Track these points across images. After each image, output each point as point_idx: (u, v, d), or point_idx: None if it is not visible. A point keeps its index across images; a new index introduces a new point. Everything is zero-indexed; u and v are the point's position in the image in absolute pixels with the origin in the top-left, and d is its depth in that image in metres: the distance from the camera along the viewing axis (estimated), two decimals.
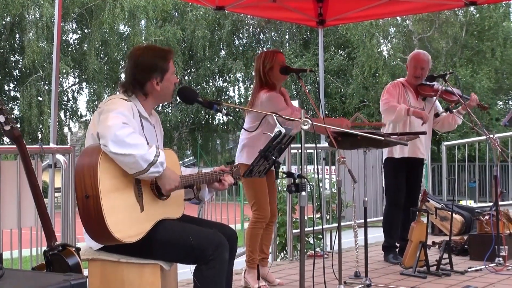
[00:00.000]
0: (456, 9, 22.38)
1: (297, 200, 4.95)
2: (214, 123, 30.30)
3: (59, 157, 4.85)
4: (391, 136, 4.93)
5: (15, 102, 25.81)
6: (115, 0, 24.04)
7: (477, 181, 12.20)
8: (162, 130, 3.57)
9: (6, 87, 26.39)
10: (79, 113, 27.70)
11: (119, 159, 2.98)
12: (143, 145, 3.01)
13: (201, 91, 27.34)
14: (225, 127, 30.07)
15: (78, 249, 2.91)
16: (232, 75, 28.21)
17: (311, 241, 6.95)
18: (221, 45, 28.95)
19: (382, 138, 4.57)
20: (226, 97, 29.16)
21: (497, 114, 23.91)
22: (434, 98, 5.75)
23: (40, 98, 24.16)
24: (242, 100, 27.87)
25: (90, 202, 2.96)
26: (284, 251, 7.22)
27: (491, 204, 6.58)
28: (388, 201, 5.96)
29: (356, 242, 4.99)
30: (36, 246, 4.74)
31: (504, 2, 22.54)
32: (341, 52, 27.84)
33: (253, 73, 5.06)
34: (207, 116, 29.58)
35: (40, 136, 24.58)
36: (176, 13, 28.47)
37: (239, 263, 4.51)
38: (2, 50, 25.50)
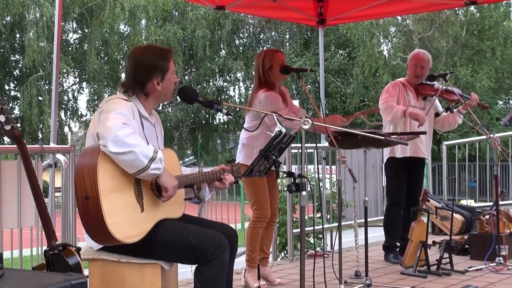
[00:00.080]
0: (456, 8, 22.38)
1: (297, 200, 4.95)
2: (215, 123, 30.31)
3: (60, 156, 4.84)
4: (392, 136, 4.93)
5: (16, 102, 25.82)
6: (115, 0, 24.04)
7: (477, 181, 12.21)
8: (163, 130, 3.57)
9: (6, 87, 26.39)
10: (79, 113, 27.73)
11: (119, 158, 2.98)
12: (142, 144, 3.01)
13: (201, 91, 27.34)
14: (226, 126, 30.08)
15: (78, 249, 2.91)
16: (232, 75, 28.21)
17: (312, 241, 6.94)
18: (222, 45, 28.95)
19: (383, 137, 4.58)
20: (226, 96, 29.16)
21: (497, 113, 23.91)
22: (434, 97, 5.76)
23: (40, 98, 24.17)
24: (243, 100, 27.87)
25: (90, 202, 2.96)
26: (285, 251, 7.22)
27: (491, 203, 6.58)
28: (389, 200, 5.96)
29: (356, 242, 4.99)
30: (37, 245, 4.74)
31: (505, 1, 22.55)
32: (341, 52, 27.84)
33: (253, 73, 5.06)
34: (207, 116, 29.58)
35: (40, 135, 24.59)
36: (177, 13, 28.48)
37: (239, 262, 4.51)
38: (2, 50, 25.51)
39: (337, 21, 8.05)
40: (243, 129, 4.82)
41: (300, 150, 6.10)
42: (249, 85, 28.16)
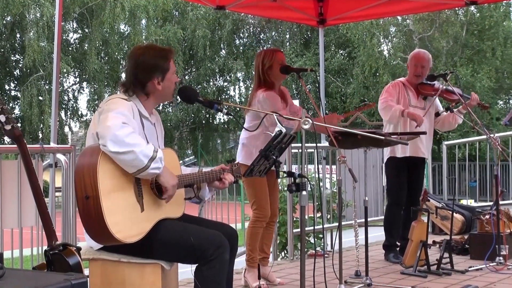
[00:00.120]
0: (456, 8, 22.38)
1: (297, 200, 4.95)
2: (215, 123, 30.31)
3: (60, 156, 4.85)
4: (392, 136, 4.93)
5: (16, 102, 25.83)
6: (115, 0, 24.05)
7: (477, 181, 12.20)
8: (163, 130, 3.57)
9: (6, 87, 26.40)
10: (79, 113, 27.74)
11: (119, 158, 2.98)
12: (142, 144, 3.01)
13: (201, 91, 27.35)
14: (226, 126, 30.08)
15: (78, 249, 2.91)
16: (232, 75, 28.21)
17: (312, 241, 6.95)
18: (222, 45, 28.95)
19: (383, 137, 4.58)
20: (226, 96, 29.17)
21: (497, 113, 23.91)
22: (434, 97, 5.76)
23: (40, 98, 24.17)
24: (243, 100, 27.87)
25: (90, 202, 2.96)
26: (285, 251, 7.22)
27: (491, 203, 6.58)
28: (389, 200, 5.96)
29: (356, 242, 4.99)
30: (37, 245, 4.75)
31: (505, 1, 22.54)
32: (341, 52, 27.84)
33: (253, 72, 5.06)
34: (207, 116, 29.59)
35: (40, 135, 24.60)
36: (177, 13, 28.48)
37: (239, 262, 4.51)
38: (2, 50, 25.51)
39: (337, 21, 8.05)
40: (243, 129, 4.82)
41: (300, 150, 6.10)
42: (249, 85, 28.17)
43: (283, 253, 7.33)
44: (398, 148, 5.69)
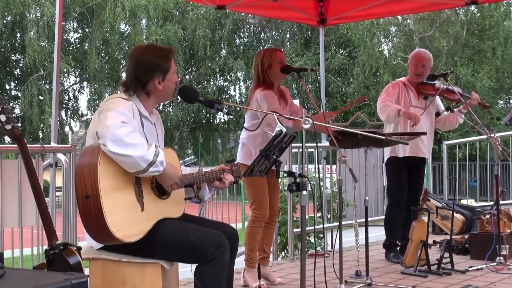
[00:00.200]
0: (457, 8, 22.37)
1: (298, 199, 4.95)
2: (215, 122, 30.32)
3: (60, 156, 4.85)
4: (392, 136, 4.93)
5: (16, 101, 25.83)
6: None
7: (478, 180, 12.21)
8: (163, 129, 3.57)
9: (7, 86, 26.40)
10: (80, 112, 27.75)
11: (118, 159, 2.98)
12: (142, 144, 3.01)
13: (202, 90, 27.34)
14: (226, 126, 30.08)
15: (79, 248, 2.91)
16: (233, 74, 28.22)
17: (312, 240, 6.95)
18: (222, 44, 28.95)
19: (383, 137, 4.58)
20: (227, 96, 29.17)
21: (498, 113, 23.90)
22: (434, 96, 5.75)
23: (41, 97, 24.18)
24: (243, 99, 27.86)
25: (90, 201, 2.96)
26: (285, 250, 7.22)
27: (492, 203, 6.57)
28: (390, 200, 5.96)
29: (357, 241, 4.99)
30: (37, 245, 4.75)
31: (505, 1, 22.54)
32: (342, 51, 27.84)
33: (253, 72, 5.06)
34: (208, 115, 29.59)
35: (41, 135, 24.60)
36: (177, 12, 28.48)
37: (239, 262, 4.51)
38: (3, 49, 25.52)
39: (337, 20, 8.05)
40: (243, 128, 4.82)
41: (300, 150, 6.10)
42: (249, 84, 28.15)
43: (283, 253, 7.33)
44: (399, 148, 5.69)
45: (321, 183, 6.95)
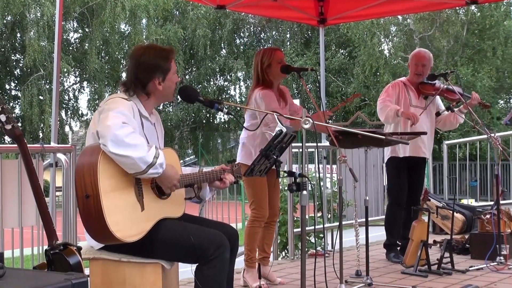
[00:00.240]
0: (457, 8, 22.37)
1: (298, 199, 4.95)
2: (215, 122, 30.33)
3: (60, 156, 4.85)
4: (392, 135, 4.93)
5: (16, 101, 25.83)
6: None
7: (478, 180, 12.20)
8: (163, 129, 3.57)
9: (7, 86, 26.41)
10: (80, 112, 27.77)
11: (118, 160, 2.98)
12: (142, 145, 3.00)
13: (202, 90, 27.35)
14: (226, 126, 30.09)
15: (79, 248, 2.91)
16: (233, 74, 28.22)
17: (312, 240, 6.94)
18: (222, 44, 28.96)
19: (383, 137, 4.58)
20: (227, 96, 29.18)
21: (498, 113, 23.91)
22: (434, 95, 5.75)
23: (41, 97, 24.18)
24: (243, 99, 27.86)
25: (90, 201, 2.96)
26: (285, 250, 7.22)
27: (492, 203, 6.57)
28: (390, 200, 5.96)
29: (357, 241, 4.99)
30: (37, 245, 4.75)
31: (505, 1, 22.54)
32: (342, 51, 27.84)
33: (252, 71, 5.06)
34: (208, 115, 29.60)
35: (41, 135, 24.61)
36: (177, 12, 28.49)
37: (239, 262, 4.51)
38: (3, 49, 25.52)
39: (337, 20, 8.05)
40: (243, 128, 4.82)
41: (300, 150, 6.10)
42: (249, 84, 28.11)
43: (283, 253, 7.33)
44: (399, 148, 5.69)
45: (321, 183, 6.94)
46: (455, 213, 6.27)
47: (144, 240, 3.10)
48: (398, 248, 5.90)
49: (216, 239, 3.19)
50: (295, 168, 6.32)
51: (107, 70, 26.56)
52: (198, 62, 28.43)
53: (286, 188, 6.70)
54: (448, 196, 8.69)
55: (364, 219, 4.88)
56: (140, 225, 3.10)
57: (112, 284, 3.25)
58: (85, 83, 27.36)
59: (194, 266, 3.23)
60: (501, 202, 5.81)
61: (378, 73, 25.20)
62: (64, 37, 25.01)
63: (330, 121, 4.81)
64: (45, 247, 2.86)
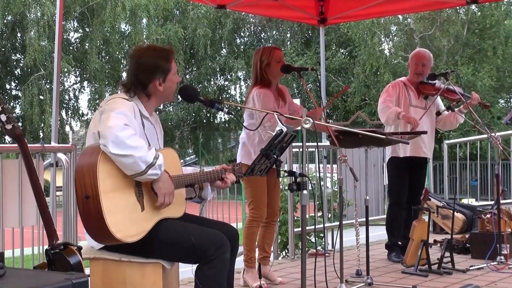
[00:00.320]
0: (457, 7, 22.38)
1: (298, 199, 4.96)
2: (216, 122, 30.34)
3: (61, 156, 4.85)
4: (393, 135, 4.93)
5: (17, 101, 25.85)
6: None
7: (478, 180, 12.20)
8: (162, 130, 3.57)
9: (7, 86, 26.43)
10: (80, 112, 27.80)
11: (118, 160, 2.98)
12: (143, 147, 3.00)
13: (202, 90, 27.36)
14: (227, 125, 30.10)
15: (79, 248, 2.91)
16: (233, 74, 28.23)
17: (313, 240, 6.95)
18: (223, 44, 28.97)
19: (384, 136, 4.57)
20: (227, 95, 29.19)
21: (498, 112, 23.90)
22: (435, 96, 5.75)
23: (41, 97, 24.19)
24: (243, 99, 27.70)
25: (90, 202, 2.96)
26: (286, 250, 7.22)
27: (492, 202, 6.57)
28: (391, 200, 5.96)
29: (357, 241, 4.99)
30: (38, 245, 4.75)
31: (506, 0, 22.54)
32: (342, 51, 27.84)
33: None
34: (208, 115, 29.61)
35: (41, 135, 24.62)
36: (178, 12, 28.50)
37: (240, 262, 4.51)
38: (3, 49, 25.53)
39: (338, 20, 8.05)
40: (243, 128, 4.82)
41: (301, 149, 6.10)
42: (250, 84, 28.16)
43: (284, 252, 7.33)
44: (399, 148, 5.69)
45: (322, 183, 6.94)
46: (455, 213, 6.27)
47: (144, 240, 3.10)
48: (400, 248, 5.89)
49: (216, 239, 3.18)
50: (295, 167, 6.32)
51: (108, 70, 26.57)
52: (199, 62, 28.44)
53: (286, 187, 6.70)
54: (449, 196, 8.69)
55: (364, 219, 4.88)
56: (140, 225, 3.10)
57: (112, 284, 3.25)
58: (85, 83, 27.38)
59: (194, 266, 3.23)
60: (502, 201, 5.81)
61: (378, 73, 25.21)
62: (65, 36, 25.02)
63: (330, 121, 4.82)
64: (46, 246, 2.86)
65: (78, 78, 27.53)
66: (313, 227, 6.70)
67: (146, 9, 25.10)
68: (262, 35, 30.10)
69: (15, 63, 26.47)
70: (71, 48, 26.21)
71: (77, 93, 27.52)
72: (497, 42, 24.41)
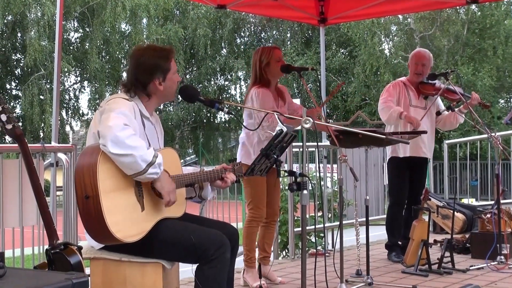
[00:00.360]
0: (457, 7, 22.38)
1: (298, 199, 4.96)
2: (216, 122, 30.34)
3: (61, 155, 4.85)
4: (393, 135, 4.93)
5: (17, 101, 25.85)
6: None
7: (478, 179, 12.19)
8: (162, 130, 3.57)
9: (8, 86, 26.43)
10: (80, 112, 27.81)
11: (118, 160, 2.97)
12: (142, 147, 3.00)
13: (202, 90, 27.37)
14: (227, 125, 30.11)
15: (80, 248, 2.91)
16: (233, 74, 28.24)
17: (313, 240, 6.95)
18: (223, 44, 28.98)
19: (384, 136, 4.57)
20: (227, 95, 29.20)
21: (498, 112, 23.91)
22: (435, 96, 5.75)
23: (41, 97, 24.20)
24: (244, 99, 27.85)
25: (90, 202, 2.95)
26: (286, 250, 7.22)
27: (492, 202, 6.57)
28: (391, 200, 5.96)
29: (357, 241, 4.99)
30: (38, 244, 4.75)
31: (506, 0, 22.54)
32: (342, 51, 27.85)
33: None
34: (208, 115, 29.61)
35: (42, 134, 24.63)
36: (178, 12, 28.51)
37: (240, 261, 4.51)
38: (4, 49, 25.53)
39: (338, 20, 8.05)
40: (243, 128, 4.82)
41: (301, 149, 6.10)
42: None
43: (284, 252, 7.33)
44: (399, 148, 5.69)
45: (322, 183, 6.94)
46: (455, 213, 6.27)
47: (144, 240, 3.10)
48: (400, 248, 5.89)
49: (217, 239, 3.18)
50: (295, 167, 6.32)
51: (108, 70, 26.58)
52: (199, 62, 28.45)
53: (286, 187, 6.70)
54: (449, 196, 8.69)
55: (364, 219, 4.88)
56: (140, 225, 3.10)
57: (112, 284, 3.25)
58: (85, 83, 27.39)
59: (194, 266, 3.23)
60: (502, 201, 5.81)
61: (378, 73, 25.22)
62: (65, 36, 25.03)
63: (330, 121, 4.82)
64: (46, 246, 2.86)
65: (78, 78, 27.55)
66: (313, 227, 6.70)
67: (146, 9, 25.12)
68: (262, 35, 30.10)
69: (15, 63, 26.48)
70: (71, 48, 26.22)
71: (77, 93, 27.56)
72: (497, 42, 24.42)
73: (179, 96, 3.54)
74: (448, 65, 23.89)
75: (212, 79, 29.29)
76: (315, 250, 6.07)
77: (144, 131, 3.26)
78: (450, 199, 7.87)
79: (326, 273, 4.05)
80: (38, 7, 23.88)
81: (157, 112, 3.58)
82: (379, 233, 6.84)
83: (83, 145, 4.10)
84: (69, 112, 27.48)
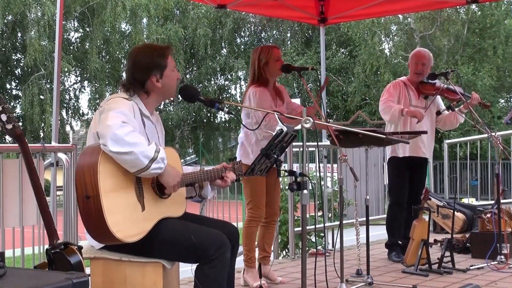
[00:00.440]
0: (457, 7, 22.38)
1: (298, 198, 4.97)
2: (216, 122, 30.34)
3: (61, 155, 4.85)
4: (393, 135, 4.93)
5: (17, 101, 25.86)
6: None
7: (479, 179, 12.19)
8: (163, 129, 3.57)
9: (8, 86, 26.44)
10: (81, 112, 27.82)
11: (119, 158, 2.97)
12: (143, 143, 3.00)
13: (202, 90, 27.37)
14: (227, 125, 30.11)
15: (80, 248, 2.91)
16: (233, 73, 28.24)
17: (313, 239, 6.95)
18: (223, 43, 28.99)
19: (384, 136, 4.57)
20: (227, 95, 29.20)
21: (499, 112, 23.90)
22: (435, 96, 5.75)
23: (42, 97, 24.20)
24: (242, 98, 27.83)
25: (90, 202, 2.95)
26: (286, 249, 7.22)
27: (493, 202, 6.57)
28: (391, 200, 5.96)
29: (358, 240, 4.99)
30: (38, 244, 4.75)
31: (506, 0, 22.54)
32: (342, 50, 27.84)
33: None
34: (208, 115, 29.61)
35: (42, 134, 24.63)
36: (178, 12, 28.51)
37: (240, 261, 4.51)
38: (4, 49, 25.53)
39: (338, 19, 8.05)
40: (243, 127, 4.82)
41: (301, 149, 6.11)
42: None
43: (284, 252, 7.33)
44: (399, 148, 5.69)
45: (322, 182, 6.95)
46: (455, 212, 6.27)
47: (145, 239, 3.10)
48: (400, 247, 5.89)
49: (217, 239, 3.18)
50: (295, 167, 6.32)
51: (108, 70, 26.59)
52: (199, 62, 28.45)
53: (286, 187, 6.70)
54: (449, 195, 8.69)
55: (364, 218, 4.88)
56: (141, 225, 3.10)
57: (113, 284, 3.25)
58: (85, 83, 27.39)
59: (194, 266, 3.23)
60: (502, 201, 5.81)
61: (378, 72, 25.21)
62: (65, 36, 25.03)
63: (330, 120, 4.82)
64: (46, 246, 2.86)
65: (79, 78, 27.55)
66: (313, 226, 6.70)
67: (147, 8, 25.12)
68: (262, 34, 30.10)
69: (15, 62, 26.48)
70: (71, 47, 26.22)
71: (77, 92, 27.57)
72: (497, 41, 24.42)
73: (179, 96, 3.54)
74: (448, 65, 23.89)
75: (212, 79, 29.30)
76: (315, 250, 6.07)
77: (145, 130, 3.26)
78: (450, 199, 7.87)
79: (326, 272, 4.05)
80: (38, 7, 23.89)
81: (157, 112, 3.56)
82: (379, 233, 6.84)
83: (83, 145, 4.10)
84: (69, 112, 27.50)
